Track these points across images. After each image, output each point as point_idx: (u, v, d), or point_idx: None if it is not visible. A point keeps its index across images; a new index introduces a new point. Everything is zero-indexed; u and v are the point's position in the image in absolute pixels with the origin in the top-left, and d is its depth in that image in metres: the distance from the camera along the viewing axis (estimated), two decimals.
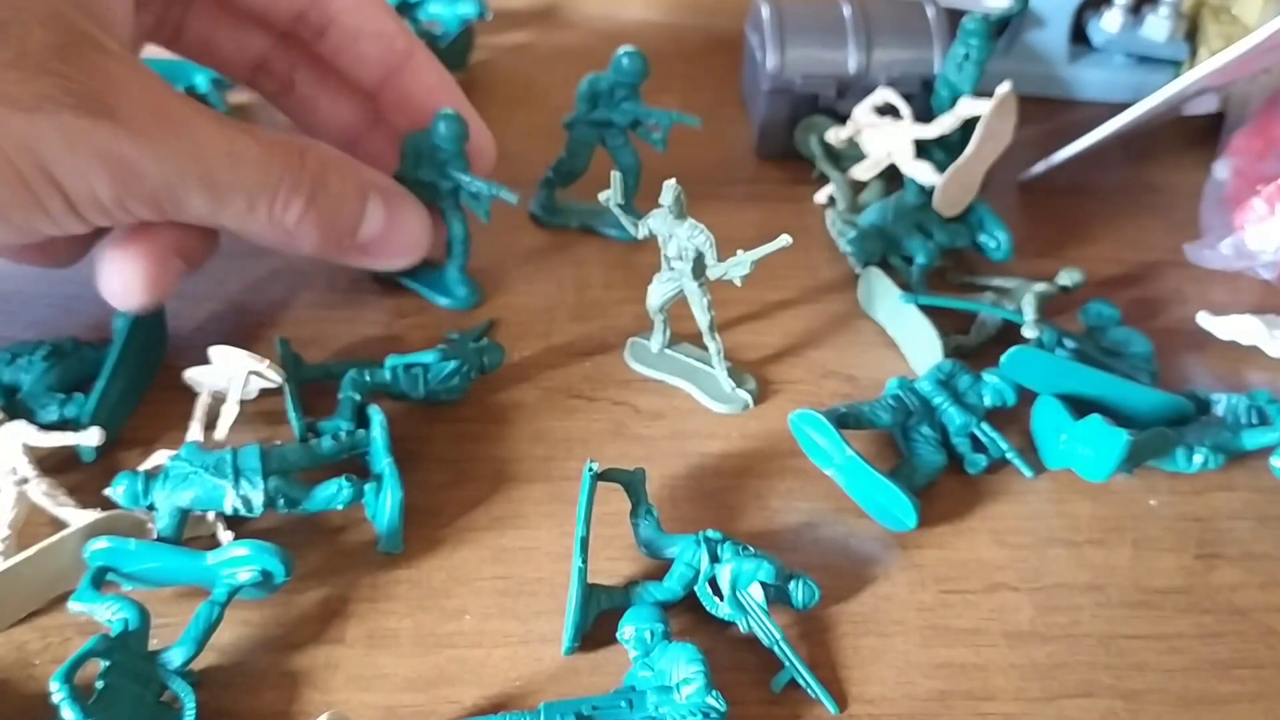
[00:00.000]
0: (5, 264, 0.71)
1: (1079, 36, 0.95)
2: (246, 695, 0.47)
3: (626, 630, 0.47)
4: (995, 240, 0.72)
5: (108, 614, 0.45)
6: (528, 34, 1.03)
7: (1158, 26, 0.91)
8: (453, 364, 0.60)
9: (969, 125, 0.73)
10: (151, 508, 0.51)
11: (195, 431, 0.57)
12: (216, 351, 0.59)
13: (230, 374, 0.58)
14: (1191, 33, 0.93)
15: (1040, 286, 0.68)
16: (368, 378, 0.59)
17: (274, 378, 0.59)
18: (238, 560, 0.48)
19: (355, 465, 0.56)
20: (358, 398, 0.58)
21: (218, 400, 0.59)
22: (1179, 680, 0.50)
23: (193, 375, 0.60)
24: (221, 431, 0.57)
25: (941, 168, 0.72)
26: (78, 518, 0.52)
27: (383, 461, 0.54)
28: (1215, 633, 0.52)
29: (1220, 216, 0.76)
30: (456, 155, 0.66)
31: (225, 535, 0.53)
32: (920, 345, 0.65)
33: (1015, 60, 0.92)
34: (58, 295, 0.68)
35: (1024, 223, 0.79)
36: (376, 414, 0.56)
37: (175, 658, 0.46)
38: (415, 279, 0.70)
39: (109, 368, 0.58)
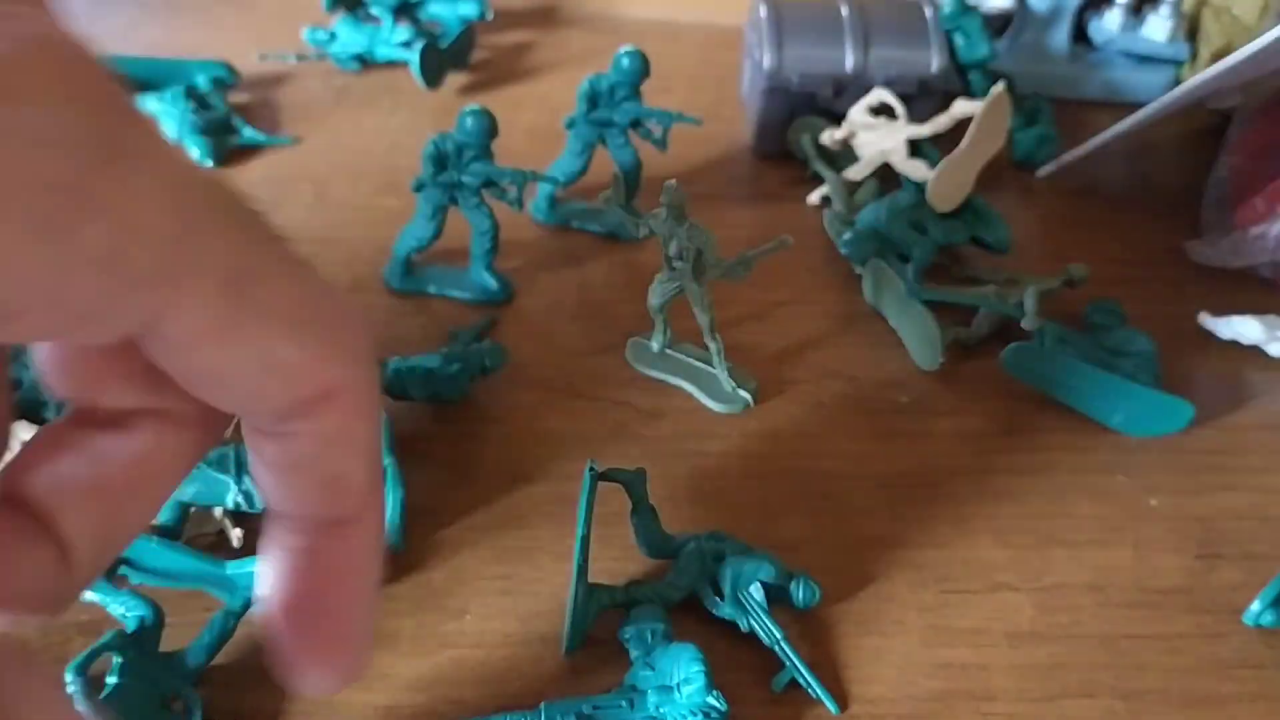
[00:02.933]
0: None
1: (1080, 36, 0.95)
2: (247, 695, 0.47)
3: (627, 630, 0.47)
4: (993, 234, 0.72)
5: (122, 609, 0.46)
6: (528, 34, 1.03)
7: (1158, 26, 0.91)
8: (454, 366, 0.60)
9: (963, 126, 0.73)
10: None
11: None
12: None
13: None
14: (1192, 32, 0.93)
15: (1042, 281, 0.68)
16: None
17: None
18: (255, 574, 0.48)
19: None
20: None
21: None
22: (1180, 680, 0.50)
23: None
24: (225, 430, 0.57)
25: (935, 166, 0.72)
26: None
27: (385, 460, 0.54)
28: (1215, 633, 0.52)
29: (1221, 215, 0.76)
30: (485, 149, 0.66)
31: (235, 533, 0.53)
32: (921, 338, 0.65)
33: (1017, 60, 0.92)
34: None
35: (1026, 221, 0.79)
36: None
37: (187, 663, 0.46)
38: (437, 284, 0.70)
39: None
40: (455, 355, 0.61)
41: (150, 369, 0.22)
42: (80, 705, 0.42)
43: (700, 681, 0.44)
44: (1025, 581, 0.54)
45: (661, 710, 0.44)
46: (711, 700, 0.44)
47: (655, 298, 0.63)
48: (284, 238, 0.22)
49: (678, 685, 0.45)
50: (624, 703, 0.45)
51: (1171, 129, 0.90)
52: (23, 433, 0.54)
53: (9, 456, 0.29)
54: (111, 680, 0.43)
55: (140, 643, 0.45)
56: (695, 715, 0.44)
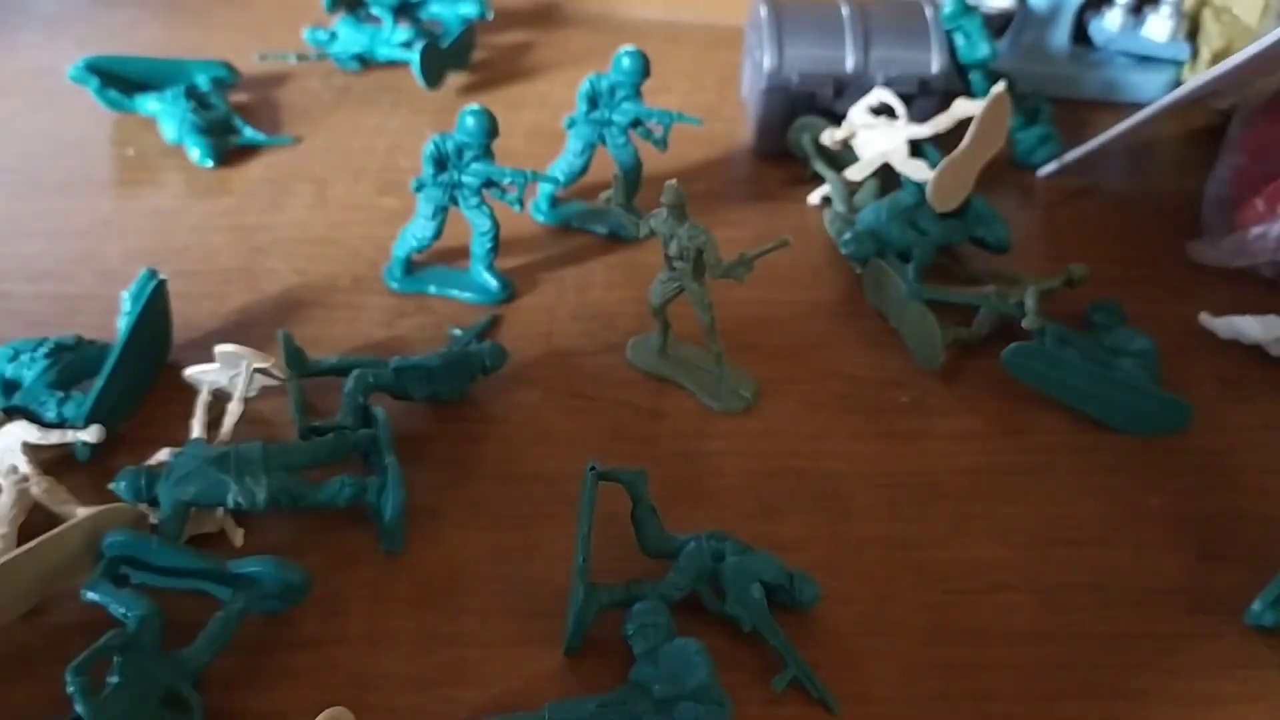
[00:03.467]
0: (6, 264, 0.71)
1: (1080, 36, 0.95)
2: (247, 695, 0.47)
3: (630, 626, 0.47)
4: (993, 234, 0.72)
5: (122, 610, 0.46)
6: (528, 34, 1.03)
7: (1159, 26, 0.91)
8: (455, 366, 0.60)
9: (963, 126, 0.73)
10: (153, 503, 0.51)
11: (197, 430, 0.57)
12: (222, 350, 0.59)
13: (234, 371, 0.58)
14: (1193, 32, 0.93)
15: (1043, 281, 0.68)
16: (371, 378, 0.59)
17: (279, 375, 0.59)
18: (258, 575, 0.48)
19: (357, 465, 0.56)
20: (361, 399, 0.58)
21: (219, 398, 0.59)
22: (1180, 680, 0.50)
23: (193, 373, 0.60)
24: (225, 429, 0.57)
25: (935, 166, 0.72)
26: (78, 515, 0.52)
27: (386, 460, 0.54)
28: (1216, 633, 0.52)
29: (1221, 215, 0.76)
30: (486, 149, 0.66)
31: (237, 534, 0.53)
32: (921, 337, 0.65)
33: (1017, 59, 0.92)
34: (58, 295, 0.68)
35: (1026, 221, 0.79)
36: (380, 413, 0.57)
37: (187, 663, 0.46)
38: (437, 284, 0.70)
39: (109, 367, 0.58)
40: (455, 355, 0.61)
41: None
42: (80, 705, 0.42)
43: (703, 677, 0.44)
44: (1025, 581, 0.54)
45: (666, 707, 0.44)
46: (715, 695, 0.44)
47: (655, 298, 0.63)
48: None
49: (682, 681, 0.45)
50: (629, 699, 0.45)
51: (1171, 129, 0.90)
52: (22, 433, 0.55)
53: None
54: (112, 680, 0.43)
55: (140, 643, 0.45)
56: (700, 710, 0.44)
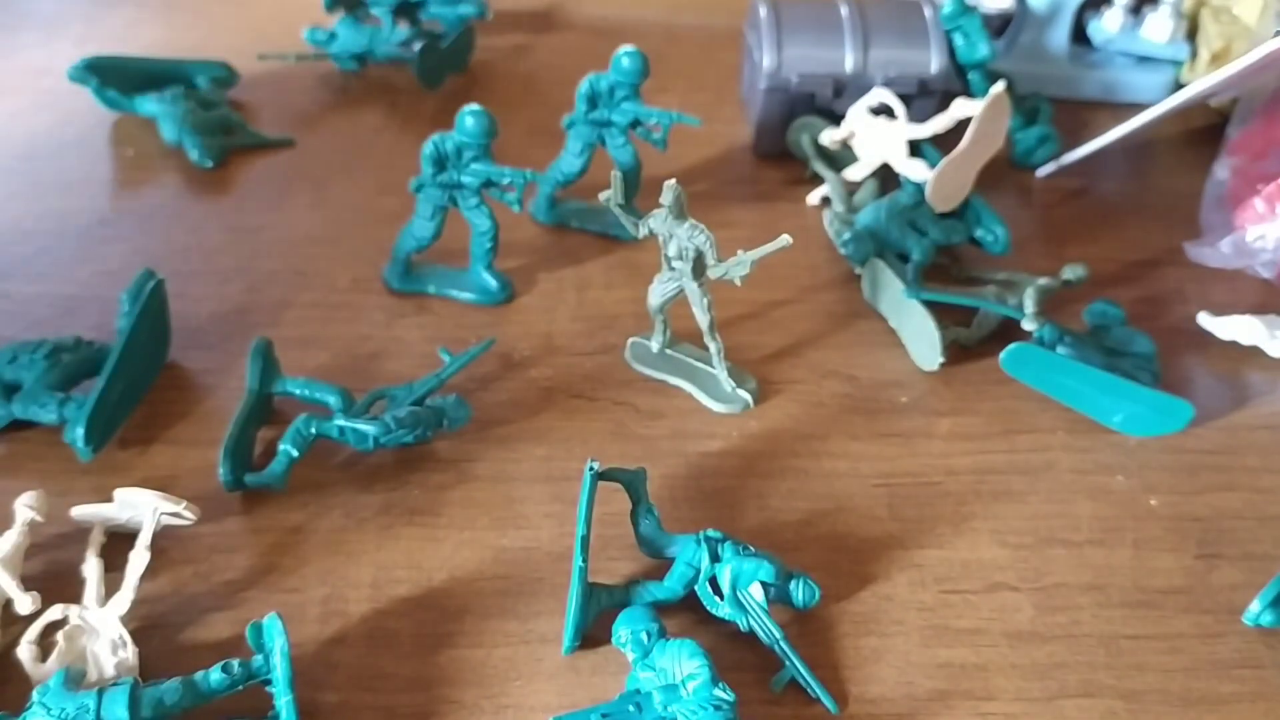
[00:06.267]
0: (6, 264, 0.71)
1: (1080, 36, 0.95)
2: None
3: (621, 634, 0.47)
4: (993, 234, 0.72)
5: None
6: (528, 34, 1.03)
7: (1158, 26, 0.91)
8: (405, 433, 0.57)
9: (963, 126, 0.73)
10: None
11: (91, 590, 0.50)
12: (123, 495, 0.52)
13: (132, 512, 0.52)
14: (1192, 32, 0.93)
15: (1042, 281, 0.68)
16: (314, 430, 0.56)
17: (190, 515, 0.52)
18: None
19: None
20: (295, 454, 0.56)
21: (110, 533, 0.53)
22: (1179, 680, 0.50)
23: (81, 513, 0.53)
24: (129, 585, 0.49)
25: (935, 166, 0.72)
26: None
27: (283, 700, 0.45)
28: (1215, 633, 0.52)
29: (1220, 215, 0.76)
30: (485, 149, 0.66)
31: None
32: (920, 338, 0.65)
33: (1016, 60, 0.92)
34: (58, 295, 0.68)
35: (1026, 221, 0.79)
36: (278, 634, 0.46)
37: None
38: (437, 284, 0.70)
39: (110, 367, 0.58)
40: (407, 417, 0.57)
41: None
42: None
43: (705, 675, 0.44)
44: (1025, 581, 0.54)
45: (670, 709, 0.44)
46: (719, 691, 0.44)
47: (655, 298, 0.63)
48: None
49: (683, 682, 0.45)
50: (631, 707, 0.45)
51: (1171, 129, 0.90)
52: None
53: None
54: None
55: None
56: (705, 708, 0.44)
